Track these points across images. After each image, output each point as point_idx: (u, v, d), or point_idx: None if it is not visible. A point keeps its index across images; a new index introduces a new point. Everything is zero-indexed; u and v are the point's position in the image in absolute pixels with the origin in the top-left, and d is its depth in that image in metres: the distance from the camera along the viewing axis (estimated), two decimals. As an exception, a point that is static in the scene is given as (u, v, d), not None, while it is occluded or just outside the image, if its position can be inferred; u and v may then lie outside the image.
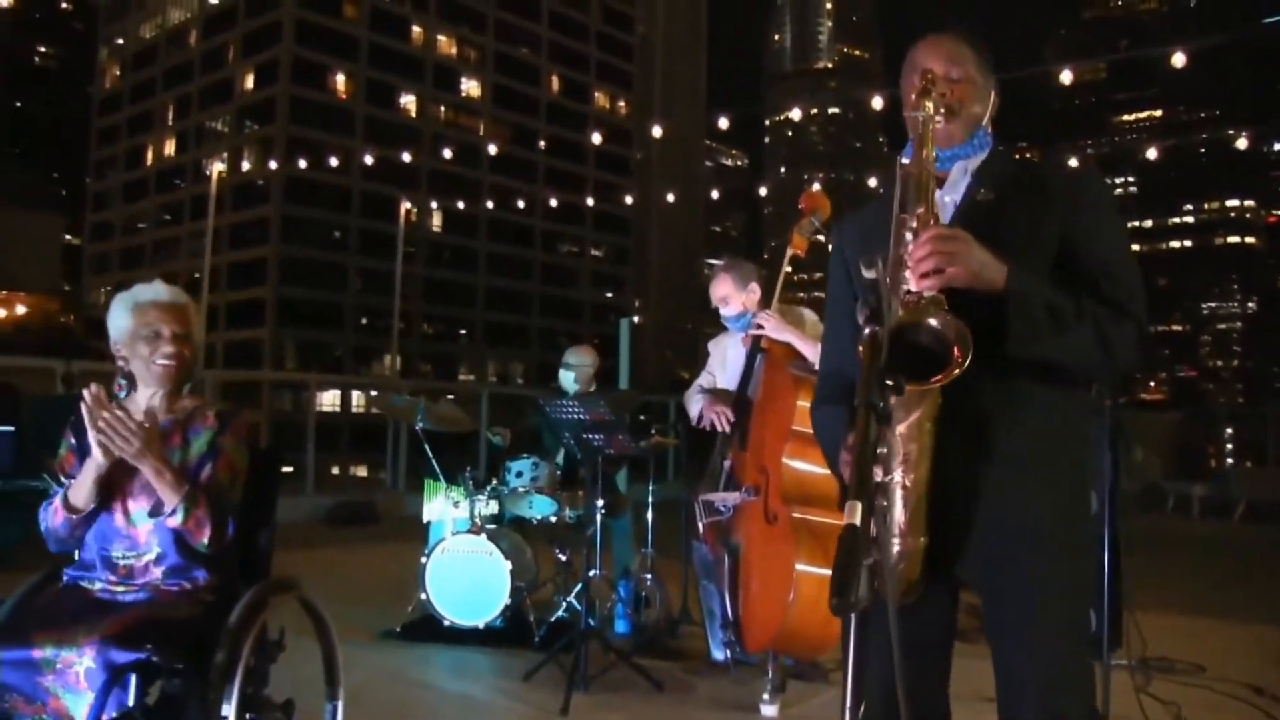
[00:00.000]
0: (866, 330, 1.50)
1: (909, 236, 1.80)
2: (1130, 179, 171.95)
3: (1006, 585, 1.88)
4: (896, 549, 1.78)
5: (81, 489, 2.60)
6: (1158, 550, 8.99)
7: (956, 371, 1.66)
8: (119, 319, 2.73)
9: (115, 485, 2.64)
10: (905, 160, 1.91)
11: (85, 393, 2.51)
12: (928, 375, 1.66)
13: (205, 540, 2.62)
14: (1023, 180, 1.97)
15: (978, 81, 2.01)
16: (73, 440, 2.71)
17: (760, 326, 4.11)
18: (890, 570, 1.79)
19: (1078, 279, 1.86)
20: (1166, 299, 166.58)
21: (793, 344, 4.01)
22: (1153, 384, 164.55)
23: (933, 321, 1.69)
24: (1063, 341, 1.80)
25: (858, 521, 1.23)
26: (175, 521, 2.59)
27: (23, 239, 66.50)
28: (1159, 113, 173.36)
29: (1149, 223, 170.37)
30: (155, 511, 2.62)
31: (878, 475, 1.76)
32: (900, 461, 1.76)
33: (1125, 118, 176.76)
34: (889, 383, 1.43)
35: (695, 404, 4.59)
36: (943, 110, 1.92)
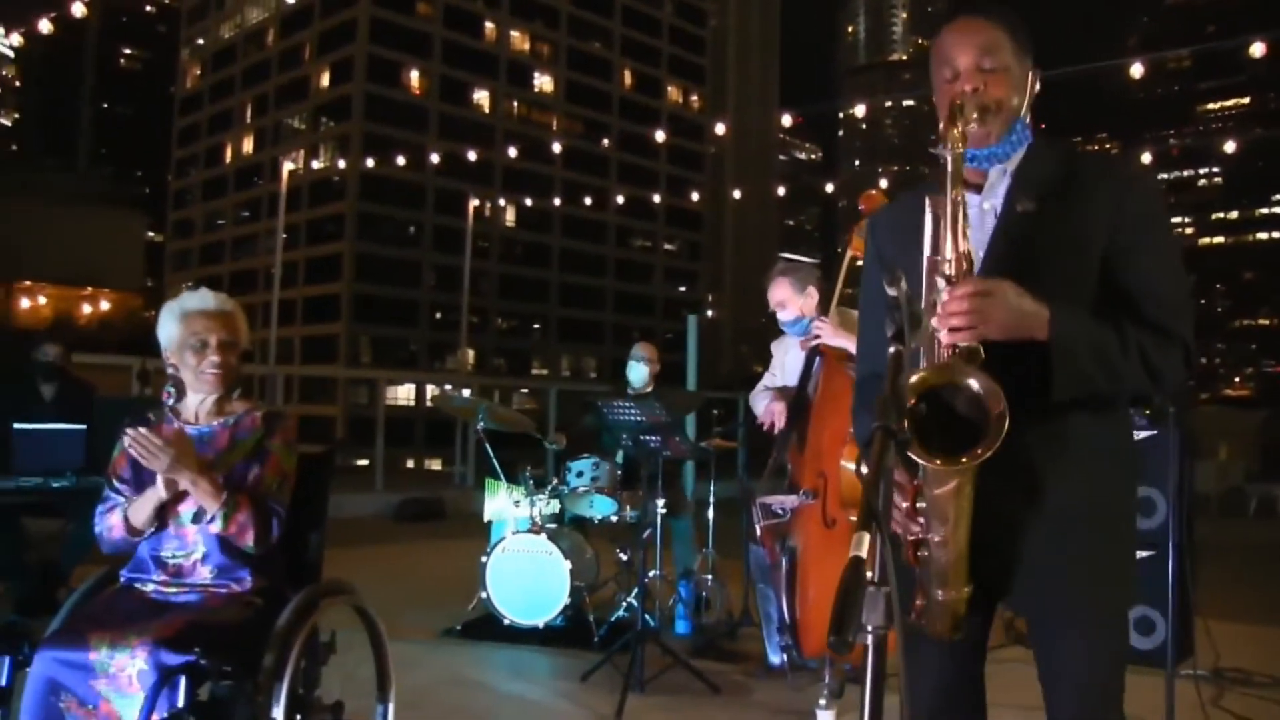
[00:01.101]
0: (891, 350, 1.44)
1: (941, 283, 1.69)
2: (1215, 169, 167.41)
3: (1051, 612, 1.85)
4: (940, 597, 1.75)
5: (142, 513, 2.67)
6: (1239, 556, 8.74)
7: (995, 447, 1.56)
8: (167, 328, 2.78)
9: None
10: (939, 164, 1.77)
11: (129, 431, 2.59)
12: (962, 450, 1.58)
13: (250, 543, 2.66)
14: (1066, 183, 1.84)
15: (1014, 69, 1.84)
16: (125, 444, 2.76)
17: (818, 334, 4.07)
18: (938, 605, 1.76)
19: (1119, 295, 1.78)
20: (1254, 292, 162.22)
21: (850, 350, 3.96)
22: (1238, 380, 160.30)
23: (972, 383, 1.59)
24: (1110, 381, 1.74)
25: (864, 554, 1.18)
26: (216, 528, 2.64)
27: (108, 236, 68.09)
28: (1246, 100, 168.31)
29: (1235, 214, 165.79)
30: (197, 518, 2.67)
31: (918, 533, 1.73)
32: (941, 522, 1.70)
33: (1210, 106, 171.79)
34: (909, 454, 1.37)
35: (760, 402, 4.56)
36: (975, 114, 1.78)
